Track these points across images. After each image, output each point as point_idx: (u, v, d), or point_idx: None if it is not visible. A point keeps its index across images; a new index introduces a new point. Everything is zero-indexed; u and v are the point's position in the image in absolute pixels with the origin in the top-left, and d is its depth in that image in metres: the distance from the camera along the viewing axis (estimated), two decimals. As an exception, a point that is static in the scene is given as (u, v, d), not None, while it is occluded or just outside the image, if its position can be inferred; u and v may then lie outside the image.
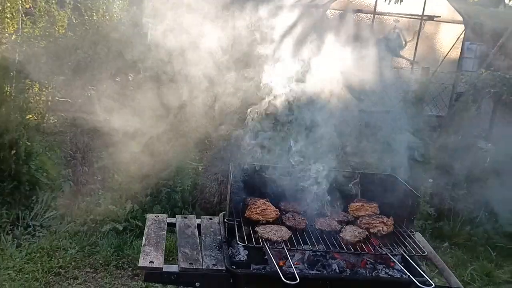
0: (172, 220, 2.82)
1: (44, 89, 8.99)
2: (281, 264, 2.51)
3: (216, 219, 2.87)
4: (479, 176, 6.81)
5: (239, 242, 2.35)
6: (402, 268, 2.47)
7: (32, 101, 8.91)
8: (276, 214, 2.64)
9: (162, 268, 2.29)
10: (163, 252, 2.42)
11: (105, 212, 5.56)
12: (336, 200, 2.81)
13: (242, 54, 3.67)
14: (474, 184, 6.77)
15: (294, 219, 2.66)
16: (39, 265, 4.72)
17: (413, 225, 2.74)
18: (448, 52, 11.92)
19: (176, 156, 6.10)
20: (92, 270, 4.79)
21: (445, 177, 6.68)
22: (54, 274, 4.64)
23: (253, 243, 2.40)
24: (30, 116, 8.83)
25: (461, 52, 12.28)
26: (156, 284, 4.57)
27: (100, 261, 4.92)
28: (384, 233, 2.62)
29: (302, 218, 2.71)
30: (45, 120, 9.05)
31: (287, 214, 2.74)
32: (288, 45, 3.22)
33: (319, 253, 2.61)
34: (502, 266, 5.82)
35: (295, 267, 2.50)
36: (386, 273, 2.58)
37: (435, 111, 11.57)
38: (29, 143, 5.53)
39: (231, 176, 2.60)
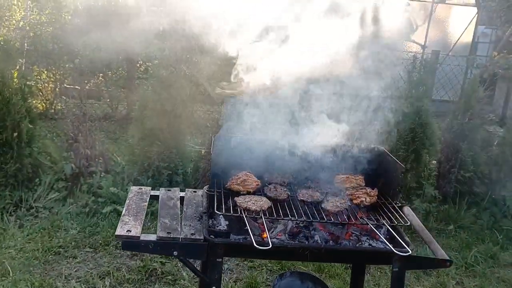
0: (156, 192, 2.82)
1: (51, 76, 9.08)
2: (264, 236, 2.48)
3: (200, 192, 2.86)
4: (487, 159, 6.70)
5: (217, 211, 2.33)
6: (384, 239, 2.43)
7: (40, 87, 9.02)
8: (257, 185, 2.61)
9: (139, 236, 2.28)
10: (142, 222, 2.42)
11: (107, 194, 5.60)
12: (321, 173, 2.77)
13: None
14: (482, 166, 6.65)
15: (276, 190, 2.63)
16: (39, 244, 4.78)
17: (398, 197, 2.68)
18: (460, 36, 11.67)
19: (178, 139, 6.10)
20: (91, 249, 4.84)
21: (451, 159, 6.57)
22: (54, 253, 4.70)
23: (230, 212, 2.38)
24: (37, 101, 8.94)
25: (473, 36, 12.02)
26: (154, 264, 4.61)
27: (100, 241, 4.96)
28: (367, 203, 2.57)
29: (284, 189, 2.67)
30: (53, 107, 9.15)
31: (269, 186, 2.70)
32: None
33: (301, 225, 2.57)
34: (508, 249, 5.72)
35: (277, 238, 2.48)
36: (370, 244, 2.54)
37: (447, 97, 11.40)
38: (31, 126, 5.57)
39: (213, 147, 2.58)
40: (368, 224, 2.40)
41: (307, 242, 2.46)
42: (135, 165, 5.89)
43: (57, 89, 9.10)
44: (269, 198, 2.56)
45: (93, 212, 5.46)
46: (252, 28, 3.02)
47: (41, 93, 9.02)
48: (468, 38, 11.72)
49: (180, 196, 2.77)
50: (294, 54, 2.99)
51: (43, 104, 9.06)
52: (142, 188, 2.79)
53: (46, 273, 4.35)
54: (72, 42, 8.61)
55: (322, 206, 2.53)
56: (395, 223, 2.46)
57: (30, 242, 4.83)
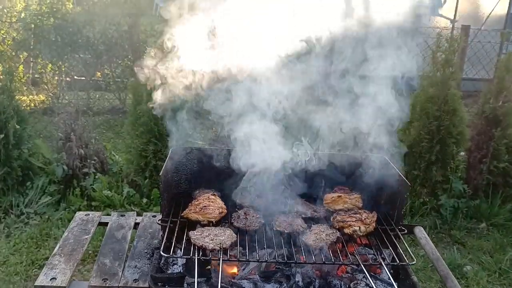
0: (107, 219, 2.33)
1: (56, 69, 8.73)
2: (233, 274, 1.97)
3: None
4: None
5: (162, 253, 1.81)
6: (389, 274, 1.87)
7: (45, 80, 8.71)
8: (221, 212, 2.07)
9: (65, 286, 1.80)
10: (76, 264, 1.94)
11: (100, 197, 5.20)
12: (310, 190, 2.21)
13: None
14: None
15: (246, 218, 2.08)
16: (24, 256, 4.43)
17: (402, 221, 2.11)
18: (494, 9, 10.73)
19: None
20: (79, 262, 4.43)
21: (483, 148, 5.87)
22: (38, 266, 4.32)
23: (178, 254, 1.86)
24: (42, 96, 8.61)
25: (509, 8, 11.06)
26: None
27: (90, 251, 4.55)
28: (361, 234, 2.01)
29: (257, 216, 2.13)
30: (59, 100, 8.82)
31: (239, 212, 2.16)
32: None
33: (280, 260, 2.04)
34: (550, 251, 5.04)
35: (248, 279, 1.96)
36: (367, 284, 2.00)
37: (481, 74, 10.55)
38: (18, 127, 5.18)
39: (166, 162, 2.06)
40: (360, 265, 1.85)
41: (284, 285, 1.93)
42: (131, 165, 5.44)
43: (62, 82, 8.75)
44: (237, 229, 2.03)
45: (86, 218, 5.06)
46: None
47: (46, 87, 8.70)
48: (502, 10, 10.78)
49: (136, 223, 2.28)
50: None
51: (49, 98, 8.75)
52: (89, 215, 2.31)
53: (25, 291, 3.97)
54: (75, 32, 8.23)
55: (303, 239, 1.98)
56: (396, 261, 1.90)
57: (15, 254, 4.48)
